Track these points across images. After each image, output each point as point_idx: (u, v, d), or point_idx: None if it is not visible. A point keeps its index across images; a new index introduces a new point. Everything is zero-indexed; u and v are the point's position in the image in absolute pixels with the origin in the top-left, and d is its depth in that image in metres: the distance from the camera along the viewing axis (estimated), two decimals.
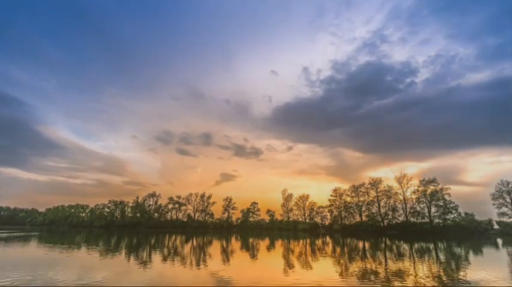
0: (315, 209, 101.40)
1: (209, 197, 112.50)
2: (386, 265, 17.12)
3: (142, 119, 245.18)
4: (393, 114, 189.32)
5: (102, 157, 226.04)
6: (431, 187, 77.61)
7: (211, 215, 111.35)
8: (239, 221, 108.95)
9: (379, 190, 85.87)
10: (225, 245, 34.42)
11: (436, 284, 11.75)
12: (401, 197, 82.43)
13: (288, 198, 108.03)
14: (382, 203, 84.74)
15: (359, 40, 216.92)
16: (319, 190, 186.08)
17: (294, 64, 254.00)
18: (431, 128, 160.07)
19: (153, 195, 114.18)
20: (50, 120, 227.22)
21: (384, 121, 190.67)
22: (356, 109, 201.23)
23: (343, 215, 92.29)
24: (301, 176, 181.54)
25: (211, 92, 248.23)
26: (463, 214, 73.13)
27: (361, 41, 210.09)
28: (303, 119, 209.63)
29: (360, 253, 25.82)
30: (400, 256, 23.13)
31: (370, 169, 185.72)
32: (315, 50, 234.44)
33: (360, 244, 36.92)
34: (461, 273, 14.47)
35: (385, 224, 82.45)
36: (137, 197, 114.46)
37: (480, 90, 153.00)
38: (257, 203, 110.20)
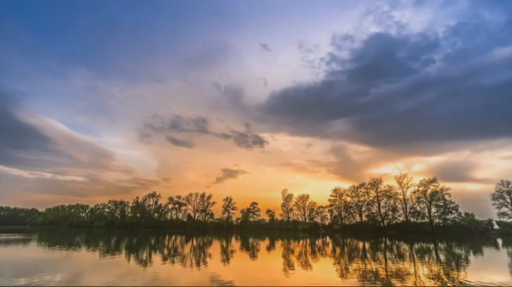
0: (315, 209, 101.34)
1: (209, 197, 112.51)
2: (386, 265, 17.10)
3: (128, 105, 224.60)
4: (405, 100, 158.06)
5: (89, 149, 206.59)
6: (432, 187, 77.60)
7: (211, 215, 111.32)
8: (239, 221, 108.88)
9: (379, 190, 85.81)
10: (225, 245, 34.41)
11: (436, 285, 11.74)
12: (401, 197, 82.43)
13: (288, 198, 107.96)
14: (382, 203, 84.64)
15: (362, 4, 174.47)
16: (321, 189, 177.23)
17: (288, 38, 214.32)
18: (447, 117, 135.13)
19: (153, 195, 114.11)
20: (23, 105, 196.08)
21: (394, 109, 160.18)
22: (362, 95, 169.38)
23: (343, 215, 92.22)
24: (302, 174, 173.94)
25: (200, 75, 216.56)
26: (463, 214, 73.06)
27: (364, 5, 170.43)
28: (302, 108, 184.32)
29: (360, 253, 25.81)
30: (400, 256, 23.12)
31: (376, 164, 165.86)
32: (311, 18, 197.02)
33: (360, 244, 36.90)
34: (462, 273, 14.46)
35: (385, 224, 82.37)
36: (137, 197, 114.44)
37: (509, 69, 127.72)
38: (257, 203, 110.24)
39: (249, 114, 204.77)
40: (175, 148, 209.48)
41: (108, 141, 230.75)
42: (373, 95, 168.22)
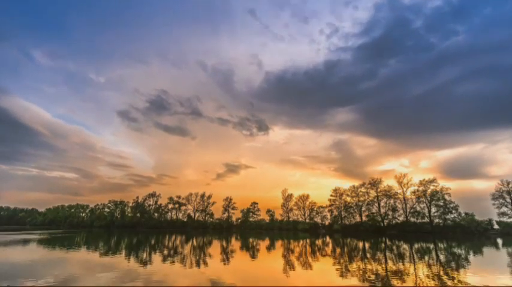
0: (315, 209, 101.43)
1: (209, 197, 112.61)
2: (386, 266, 17.10)
3: (107, 89, 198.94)
4: (419, 83, 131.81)
5: (72, 140, 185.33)
6: (432, 187, 77.69)
7: (211, 215, 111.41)
8: (239, 221, 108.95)
9: (379, 189, 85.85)
10: (225, 245, 34.41)
11: (436, 284, 11.74)
12: (401, 197, 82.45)
13: (288, 198, 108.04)
14: (382, 203, 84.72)
15: None
16: (322, 187, 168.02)
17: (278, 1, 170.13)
18: (465, 102, 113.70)
19: (153, 195, 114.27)
20: None
21: (405, 94, 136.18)
22: (369, 78, 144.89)
23: (343, 215, 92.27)
24: (302, 171, 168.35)
25: (184, 51, 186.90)
26: (463, 214, 73.14)
27: None
28: (301, 95, 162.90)
29: (360, 253, 25.81)
30: (400, 256, 23.12)
31: (381, 160, 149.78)
32: None
33: (360, 244, 36.90)
34: (461, 273, 14.46)
35: (385, 224, 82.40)
36: (137, 197, 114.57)
37: None
38: (257, 203, 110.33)
39: (241, 102, 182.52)
40: (169, 138, 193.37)
41: (91, 131, 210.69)
42: (381, 77, 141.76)
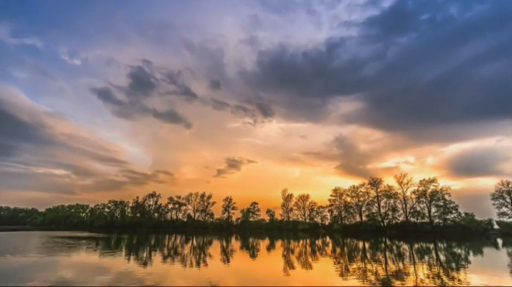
0: (315, 209, 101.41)
1: (209, 197, 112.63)
2: (386, 266, 17.10)
3: (86, 72, 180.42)
4: (433, 64, 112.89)
5: (56, 131, 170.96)
6: (432, 187, 77.73)
7: (211, 215, 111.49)
8: (239, 221, 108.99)
9: (379, 189, 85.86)
10: (225, 245, 34.42)
11: (436, 284, 11.75)
12: (401, 197, 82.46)
13: (288, 198, 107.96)
14: (382, 203, 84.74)
15: None
16: (322, 186, 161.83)
17: None
18: (486, 86, 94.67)
19: (153, 195, 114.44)
20: None
21: (417, 78, 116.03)
22: (376, 60, 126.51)
23: (343, 215, 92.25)
24: (301, 168, 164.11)
25: (166, 24, 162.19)
26: (463, 214, 73.21)
27: None
28: (300, 81, 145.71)
29: (360, 253, 25.82)
30: (400, 256, 23.13)
31: (385, 156, 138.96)
32: None
33: (360, 244, 36.91)
34: (461, 273, 14.47)
35: (385, 224, 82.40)
36: (137, 197, 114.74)
37: None
38: (257, 203, 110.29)
39: (232, 90, 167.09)
40: (162, 127, 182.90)
41: (75, 119, 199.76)
42: (390, 59, 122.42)
